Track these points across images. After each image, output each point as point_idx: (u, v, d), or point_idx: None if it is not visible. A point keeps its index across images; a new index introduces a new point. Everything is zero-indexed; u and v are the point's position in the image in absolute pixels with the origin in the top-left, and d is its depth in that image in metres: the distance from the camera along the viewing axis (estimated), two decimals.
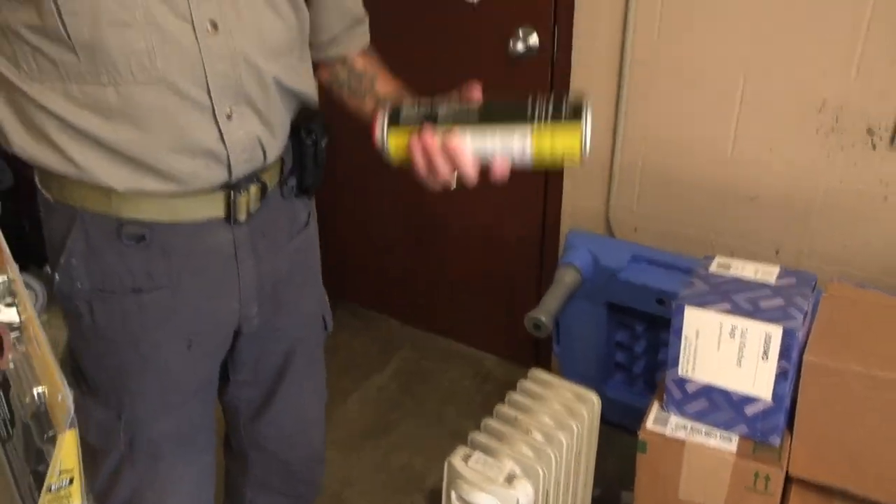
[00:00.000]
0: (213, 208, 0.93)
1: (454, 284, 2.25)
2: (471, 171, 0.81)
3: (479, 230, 2.11)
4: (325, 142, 1.01)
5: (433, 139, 0.80)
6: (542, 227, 2.01)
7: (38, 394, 0.70)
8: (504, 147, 0.79)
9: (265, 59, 0.88)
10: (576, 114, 0.78)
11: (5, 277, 0.76)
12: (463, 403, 2.09)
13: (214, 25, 0.83)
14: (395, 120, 0.83)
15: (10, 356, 0.73)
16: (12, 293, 0.76)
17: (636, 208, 1.82)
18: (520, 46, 1.76)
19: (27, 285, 2.19)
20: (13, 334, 0.74)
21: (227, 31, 0.84)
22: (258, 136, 0.92)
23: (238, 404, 1.20)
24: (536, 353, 2.20)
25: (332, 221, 2.34)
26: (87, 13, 0.79)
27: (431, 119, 0.81)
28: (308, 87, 0.99)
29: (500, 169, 0.80)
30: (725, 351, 1.18)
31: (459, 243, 2.16)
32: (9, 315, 0.74)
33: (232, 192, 0.92)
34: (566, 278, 1.72)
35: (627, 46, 1.68)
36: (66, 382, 0.68)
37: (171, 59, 0.82)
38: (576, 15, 1.71)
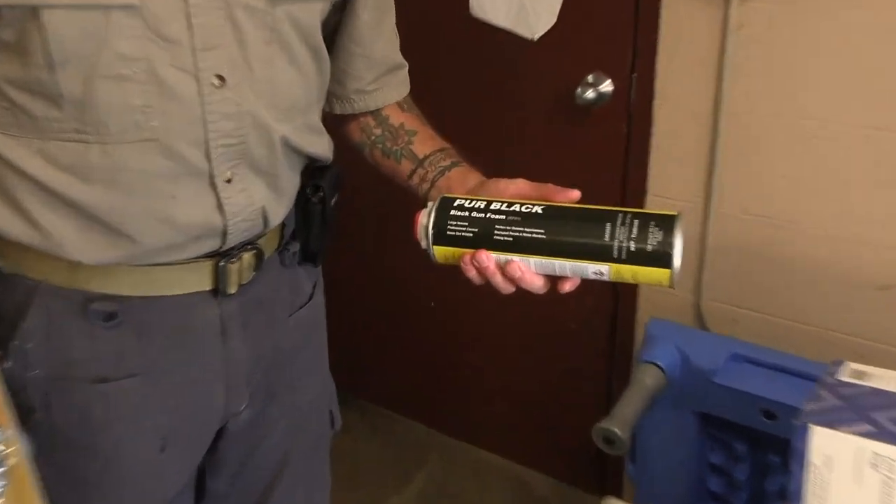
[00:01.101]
0: (198, 280, 0.95)
1: (495, 381, 2.26)
2: (537, 289, 0.85)
3: (529, 314, 2.11)
4: (334, 200, 1.05)
5: (490, 262, 0.84)
6: (612, 314, 2.00)
7: None
8: (576, 272, 0.83)
9: (276, 119, 0.91)
10: (664, 248, 0.80)
11: None
12: None
13: (222, 79, 0.86)
14: (440, 237, 0.86)
15: None
16: None
17: (735, 295, 1.80)
18: (590, 94, 1.79)
19: None
20: None
21: (235, 86, 0.87)
22: (262, 203, 0.95)
23: None
24: (602, 473, 2.17)
25: (340, 297, 2.29)
26: (82, 64, 0.81)
27: (486, 239, 0.84)
28: (321, 146, 1.02)
29: (570, 285, 0.85)
30: (867, 486, 1.09)
31: (502, 329, 2.18)
32: None
33: (221, 261, 0.94)
34: (647, 380, 1.63)
35: (724, 95, 1.67)
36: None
37: (168, 116, 0.85)
38: (658, 58, 1.72)
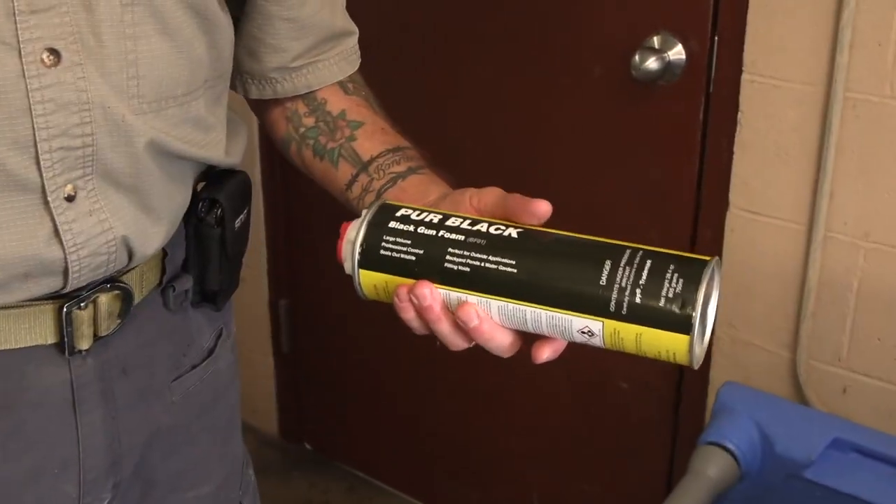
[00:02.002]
0: (33, 331, 0.92)
1: (518, 456, 2.28)
2: (500, 349, 0.83)
3: (568, 368, 2.09)
4: (240, 219, 1.04)
5: (435, 300, 0.81)
6: (677, 372, 1.97)
7: None
8: (555, 327, 0.79)
9: (138, 111, 0.90)
10: (683, 303, 0.75)
11: None
12: None
13: (55, 55, 0.83)
14: (370, 258, 0.83)
15: None
16: None
17: (847, 354, 1.76)
18: (652, 63, 1.72)
19: None
20: None
21: (76, 65, 0.85)
22: (124, 231, 0.92)
23: None
24: None
25: (320, 336, 2.51)
26: None
27: (434, 267, 0.81)
28: (213, 146, 1.00)
29: (550, 352, 0.82)
30: None
31: (527, 386, 2.18)
32: None
33: (66, 305, 0.91)
34: (710, 470, 1.57)
35: (840, 70, 1.61)
36: None
37: None
38: (750, 15, 1.67)
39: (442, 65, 1.97)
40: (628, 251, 0.77)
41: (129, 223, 0.92)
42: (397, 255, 0.82)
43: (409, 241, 0.82)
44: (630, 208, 1.82)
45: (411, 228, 0.82)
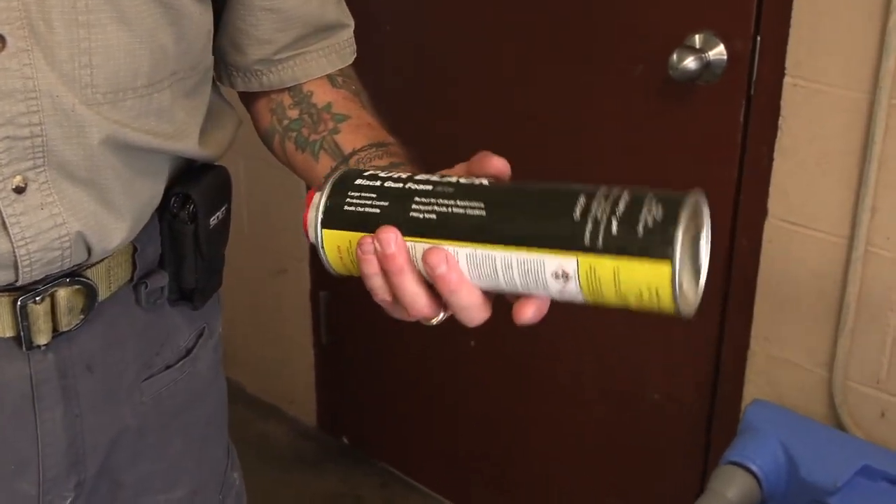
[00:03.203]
0: None
1: (549, 460, 2.26)
2: (471, 306, 0.77)
3: (600, 380, 2.11)
4: (217, 216, 1.02)
5: (399, 247, 0.76)
6: (711, 386, 1.92)
7: None
8: (527, 273, 0.74)
9: (91, 103, 0.87)
10: (663, 230, 0.70)
11: None
12: None
13: (0, 40, 0.82)
14: (333, 217, 0.79)
15: None
16: None
17: (886, 378, 1.73)
18: (690, 62, 1.69)
19: None
20: None
21: (22, 52, 0.83)
22: (79, 227, 0.90)
23: None
24: None
25: (351, 329, 2.53)
26: None
27: (398, 217, 0.77)
28: (182, 140, 0.98)
29: (533, 311, 0.76)
30: None
31: (566, 396, 2.18)
32: None
33: (20, 298, 0.90)
34: (729, 490, 1.57)
35: (888, 73, 1.57)
36: None
37: None
38: (795, 14, 1.64)
39: (480, 61, 1.95)
40: (602, 187, 0.73)
41: (86, 218, 0.91)
42: (361, 209, 0.78)
43: (373, 195, 0.78)
44: None
45: (377, 184, 0.79)
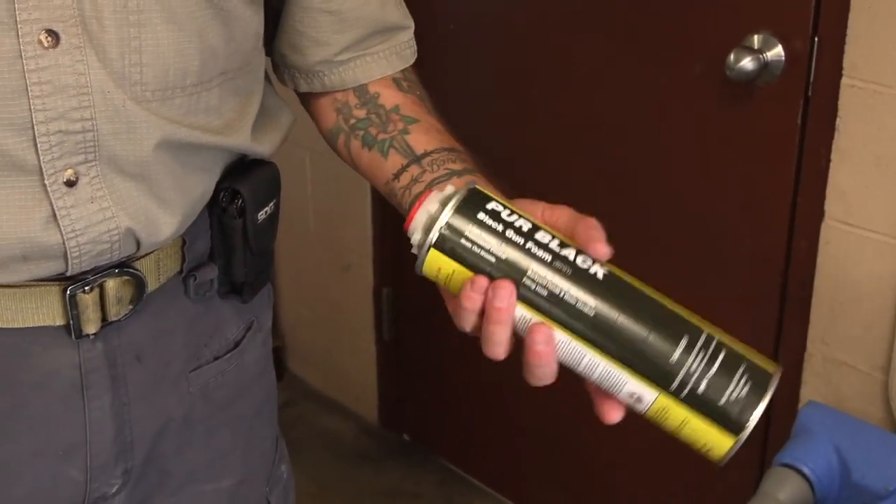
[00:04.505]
0: (39, 310, 0.92)
1: (607, 458, 2.27)
2: (544, 376, 0.81)
3: None
4: (265, 212, 1.02)
5: (511, 304, 0.79)
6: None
7: None
8: (606, 379, 0.79)
9: (142, 100, 0.88)
10: (742, 409, 0.76)
11: None
12: None
13: (54, 37, 0.83)
14: (448, 243, 0.80)
15: None
16: None
17: None
18: (748, 63, 1.68)
19: None
20: None
21: (75, 49, 0.84)
22: (129, 223, 0.91)
23: None
24: None
25: (424, 333, 2.52)
26: None
27: (510, 275, 0.79)
28: (237, 137, 0.98)
29: (615, 415, 0.81)
30: None
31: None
32: None
33: (70, 288, 0.91)
34: (780, 493, 1.49)
35: None
36: None
37: None
38: (852, 14, 1.62)
39: (543, 61, 1.95)
40: (705, 334, 0.76)
41: (136, 213, 0.92)
42: (478, 251, 0.80)
43: (494, 241, 0.80)
44: (723, 213, 1.77)
45: (500, 228, 0.80)
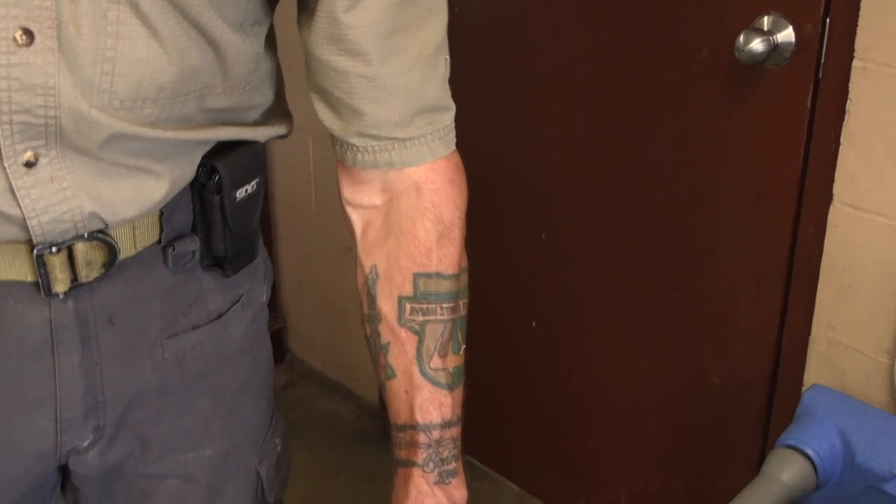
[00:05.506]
0: (12, 267, 0.93)
1: (607, 444, 2.28)
2: None
3: (662, 365, 2.11)
4: (245, 191, 1.01)
5: None
6: (771, 372, 1.92)
7: None
8: None
9: (108, 109, 0.88)
10: None
11: None
12: None
13: (28, 35, 0.83)
14: None
15: None
16: None
17: None
18: (757, 44, 1.66)
19: None
20: None
21: (48, 51, 0.84)
22: (90, 203, 0.91)
23: None
24: None
25: None
26: None
27: None
28: (216, 132, 0.97)
29: None
30: None
31: (628, 380, 2.19)
32: None
33: (37, 249, 0.91)
34: (783, 474, 1.51)
35: None
36: None
37: None
38: (864, 0, 1.60)
39: (546, 44, 1.95)
40: None
41: (98, 195, 0.91)
42: None
43: None
44: (730, 196, 1.76)
45: None
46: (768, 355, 1.91)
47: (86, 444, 1.02)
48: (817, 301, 1.77)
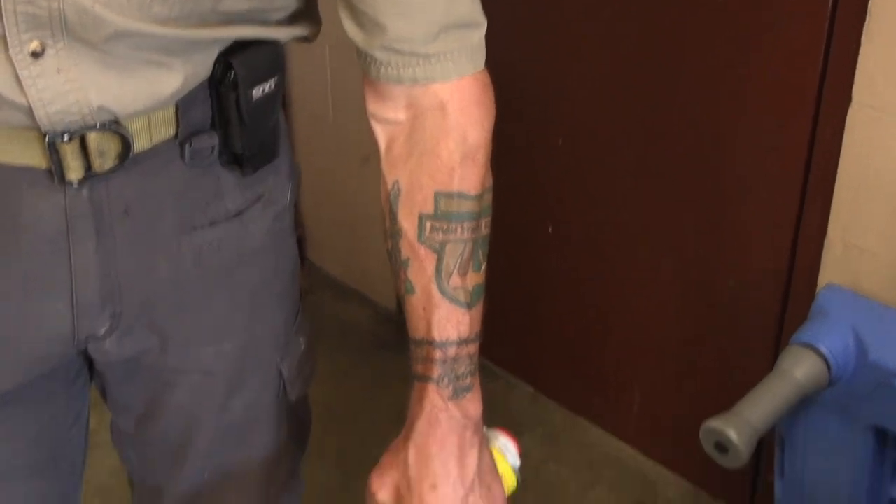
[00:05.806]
0: (26, 153, 0.92)
1: (621, 345, 2.30)
2: None
3: (676, 266, 2.12)
4: (261, 89, 1.01)
5: None
6: (786, 274, 1.92)
7: None
8: None
9: (110, 5, 0.86)
10: None
11: None
12: None
13: None
14: None
15: None
16: None
17: None
18: None
19: None
20: None
21: None
22: (97, 94, 0.90)
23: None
24: (754, 480, 2.15)
25: None
26: None
27: None
28: (230, 31, 0.96)
29: None
30: None
31: (643, 280, 2.20)
32: None
33: (49, 136, 0.91)
34: (796, 371, 1.53)
35: None
36: None
37: None
38: None
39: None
40: None
41: (107, 87, 0.91)
42: None
43: None
44: (750, 95, 1.77)
45: None
46: (784, 257, 1.91)
47: (102, 331, 1.03)
48: (833, 203, 1.76)
